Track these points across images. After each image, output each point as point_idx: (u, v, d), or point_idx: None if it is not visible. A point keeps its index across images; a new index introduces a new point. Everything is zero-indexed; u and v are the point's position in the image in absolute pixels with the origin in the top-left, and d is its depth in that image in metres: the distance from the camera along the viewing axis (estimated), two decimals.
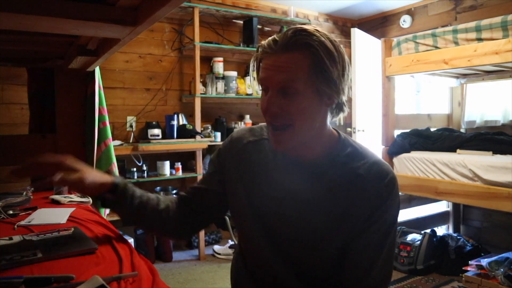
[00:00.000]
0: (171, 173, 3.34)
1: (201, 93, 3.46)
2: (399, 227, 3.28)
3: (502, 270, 2.44)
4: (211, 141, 3.47)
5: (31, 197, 1.48)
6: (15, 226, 1.14)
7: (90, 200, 1.57)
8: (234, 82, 3.66)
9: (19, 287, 0.71)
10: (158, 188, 3.44)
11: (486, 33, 2.55)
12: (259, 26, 3.84)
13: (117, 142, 3.12)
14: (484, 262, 2.55)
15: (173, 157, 3.43)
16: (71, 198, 1.53)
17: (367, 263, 0.87)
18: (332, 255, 0.89)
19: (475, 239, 3.42)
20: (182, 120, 3.48)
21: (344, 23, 4.63)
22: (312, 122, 0.87)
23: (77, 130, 1.99)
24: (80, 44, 1.51)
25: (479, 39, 2.59)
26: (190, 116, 3.56)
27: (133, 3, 1.04)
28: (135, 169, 3.20)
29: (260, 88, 0.90)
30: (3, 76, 2.84)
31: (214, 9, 3.54)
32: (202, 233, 3.40)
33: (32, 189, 1.55)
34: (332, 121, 0.94)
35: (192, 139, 3.30)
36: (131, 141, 3.35)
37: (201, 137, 3.37)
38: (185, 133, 3.32)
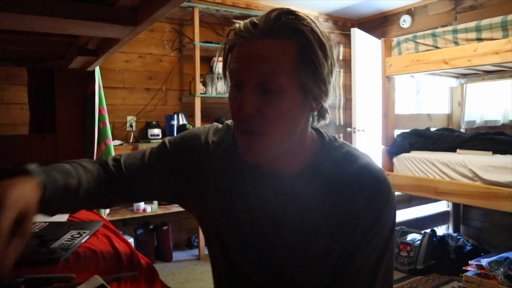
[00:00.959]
0: None
1: (201, 93, 3.46)
2: (399, 227, 3.28)
3: (502, 270, 2.44)
4: None
5: None
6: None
7: None
8: None
9: (19, 287, 0.71)
10: None
11: (486, 33, 2.55)
12: None
13: (117, 142, 3.12)
14: (484, 262, 2.56)
15: None
16: None
17: (367, 279, 0.74)
18: (326, 276, 0.76)
19: (475, 239, 3.43)
20: (182, 120, 3.48)
21: (344, 23, 4.63)
22: (293, 129, 0.71)
23: (77, 130, 1.99)
24: (80, 44, 1.51)
25: (479, 39, 2.59)
26: (190, 116, 3.56)
27: (133, 3, 1.04)
28: None
29: (229, 82, 0.72)
30: (3, 76, 2.84)
31: (214, 9, 3.54)
32: (202, 233, 3.39)
33: None
34: (327, 123, 0.80)
35: None
36: (131, 141, 3.35)
37: None
38: None
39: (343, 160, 0.76)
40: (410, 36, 3.08)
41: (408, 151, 3.09)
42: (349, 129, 4.18)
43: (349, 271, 0.74)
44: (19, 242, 0.60)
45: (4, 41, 1.51)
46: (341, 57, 4.62)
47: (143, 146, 3.08)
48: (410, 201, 3.79)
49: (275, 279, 0.78)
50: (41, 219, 1.21)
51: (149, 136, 3.23)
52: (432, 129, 3.35)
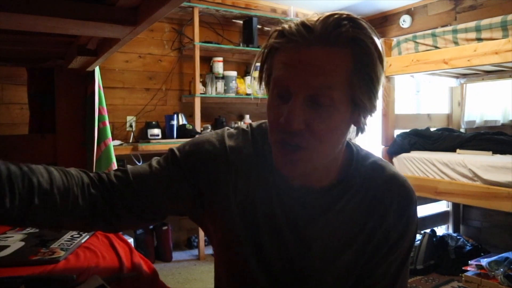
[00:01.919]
0: None
1: (201, 93, 3.46)
2: None
3: (502, 270, 2.44)
4: None
5: None
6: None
7: None
8: (234, 82, 3.66)
9: (19, 287, 0.71)
10: None
11: (486, 33, 2.55)
12: (259, 26, 3.84)
13: (117, 142, 3.12)
14: (484, 262, 2.56)
15: None
16: None
17: (388, 285, 0.74)
18: (349, 285, 0.74)
19: (475, 239, 3.42)
20: (182, 120, 3.48)
21: None
22: (338, 143, 0.67)
23: (77, 130, 1.99)
24: (80, 44, 1.51)
25: (479, 39, 2.59)
26: (190, 116, 3.56)
27: (133, 3, 1.04)
28: None
29: (270, 90, 0.65)
30: (3, 76, 2.83)
31: (214, 9, 3.54)
32: (202, 233, 3.40)
33: None
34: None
35: None
36: (130, 141, 3.35)
37: None
38: (185, 133, 3.32)
39: (371, 171, 0.74)
40: (410, 36, 3.08)
41: (408, 151, 3.09)
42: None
43: (371, 279, 0.74)
44: None
45: (4, 41, 1.51)
46: None
47: (142, 146, 3.08)
48: None
49: None
50: None
51: (149, 136, 3.23)
52: (432, 129, 3.35)
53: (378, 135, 3.44)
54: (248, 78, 3.81)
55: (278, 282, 0.73)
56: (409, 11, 4.15)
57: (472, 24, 2.65)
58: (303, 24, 0.61)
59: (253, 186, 0.72)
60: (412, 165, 2.99)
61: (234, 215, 0.72)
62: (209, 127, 3.59)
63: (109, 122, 2.14)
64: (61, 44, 1.65)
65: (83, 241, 0.99)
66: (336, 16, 0.61)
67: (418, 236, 3.14)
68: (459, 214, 3.83)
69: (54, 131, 1.95)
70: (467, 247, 3.10)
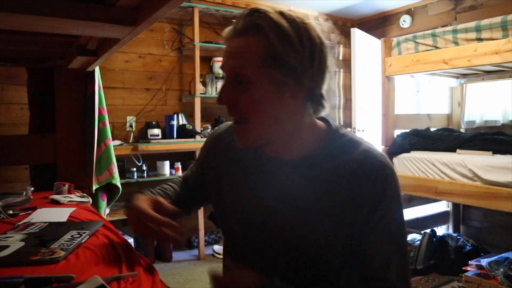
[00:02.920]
0: (171, 173, 3.34)
1: (201, 93, 3.46)
2: None
3: (502, 270, 2.44)
4: None
5: (31, 197, 1.49)
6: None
7: (90, 200, 1.57)
8: None
9: (19, 287, 0.71)
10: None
11: (486, 33, 2.55)
12: None
13: (117, 142, 3.12)
14: (484, 262, 2.56)
15: (173, 157, 3.43)
16: (70, 198, 1.53)
17: (382, 266, 0.75)
18: (335, 259, 0.79)
19: (475, 239, 3.42)
20: (182, 120, 3.48)
21: (344, 23, 4.63)
22: (272, 117, 0.76)
23: (77, 130, 1.99)
24: (80, 44, 1.52)
25: (479, 39, 2.59)
26: (190, 116, 3.56)
27: (133, 3, 1.04)
28: (134, 169, 3.20)
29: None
30: (3, 76, 2.84)
31: (214, 9, 3.54)
32: (202, 233, 3.40)
33: (32, 189, 1.55)
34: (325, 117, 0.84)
35: (192, 139, 3.30)
36: (131, 141, 3.35)
37: (201, 137, 3.36)
38: (185, 133, 3.32)
39: (346, 146, 0.80)
40: (410, 36, 3.08)
41: (408, 151, 3.09)
42: (349, 129, 4.17)
43: (362, 257, 0.76)
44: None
45: (4, 41, 1.51)
46: (341, 57, 4.62)
47: (143, 146, 3.08)
48: (410, 201, 3.79)
49: (280, 266, 0.82)
50: (41, 219, 1.21)
51: (149, 136, 3.23)
52: (432, 129, 3.35)
53: (378, 135, 3.44)
54: None
55: (251, 232, 0.85)
56: (409, 11, 4.15)
57: (472, 24, 2.65)
58: (233, 24, 0.77)
59: (237, 160, 0.89)
60: (412, 165, 2.99)
61: (223, 184, 0.90)
62: (209, 127, 3.59)
63: (109, 122, 2.14)
64: (61, 44, 1.66)
65: (83, 241, 0.99)
66: (248, 10, 0.76)
67: (418, 236, 3.14)
68: (459, 214, 3.83)
69: (54, 131, 1.96)
70: (467, 247, 3.10)
